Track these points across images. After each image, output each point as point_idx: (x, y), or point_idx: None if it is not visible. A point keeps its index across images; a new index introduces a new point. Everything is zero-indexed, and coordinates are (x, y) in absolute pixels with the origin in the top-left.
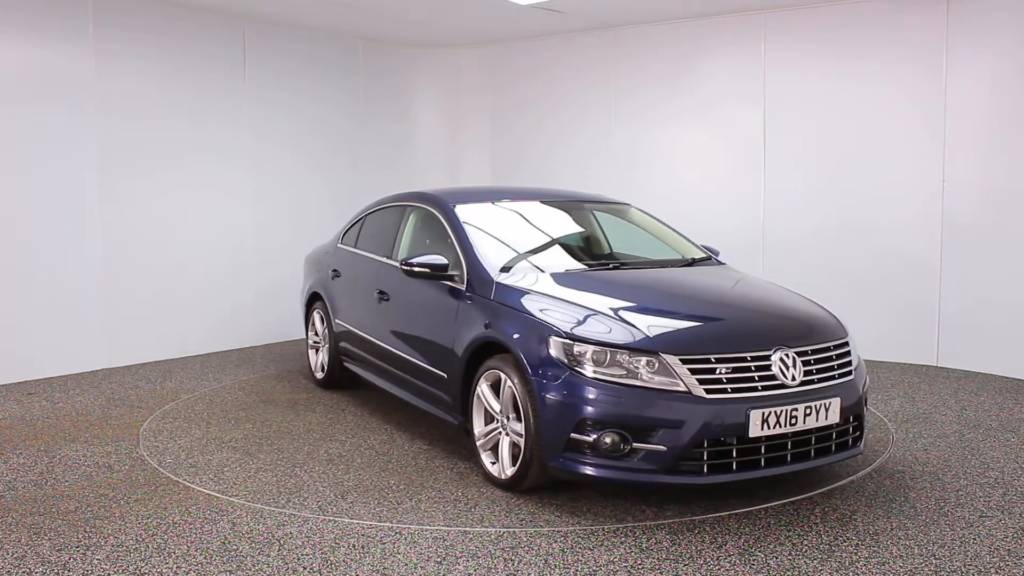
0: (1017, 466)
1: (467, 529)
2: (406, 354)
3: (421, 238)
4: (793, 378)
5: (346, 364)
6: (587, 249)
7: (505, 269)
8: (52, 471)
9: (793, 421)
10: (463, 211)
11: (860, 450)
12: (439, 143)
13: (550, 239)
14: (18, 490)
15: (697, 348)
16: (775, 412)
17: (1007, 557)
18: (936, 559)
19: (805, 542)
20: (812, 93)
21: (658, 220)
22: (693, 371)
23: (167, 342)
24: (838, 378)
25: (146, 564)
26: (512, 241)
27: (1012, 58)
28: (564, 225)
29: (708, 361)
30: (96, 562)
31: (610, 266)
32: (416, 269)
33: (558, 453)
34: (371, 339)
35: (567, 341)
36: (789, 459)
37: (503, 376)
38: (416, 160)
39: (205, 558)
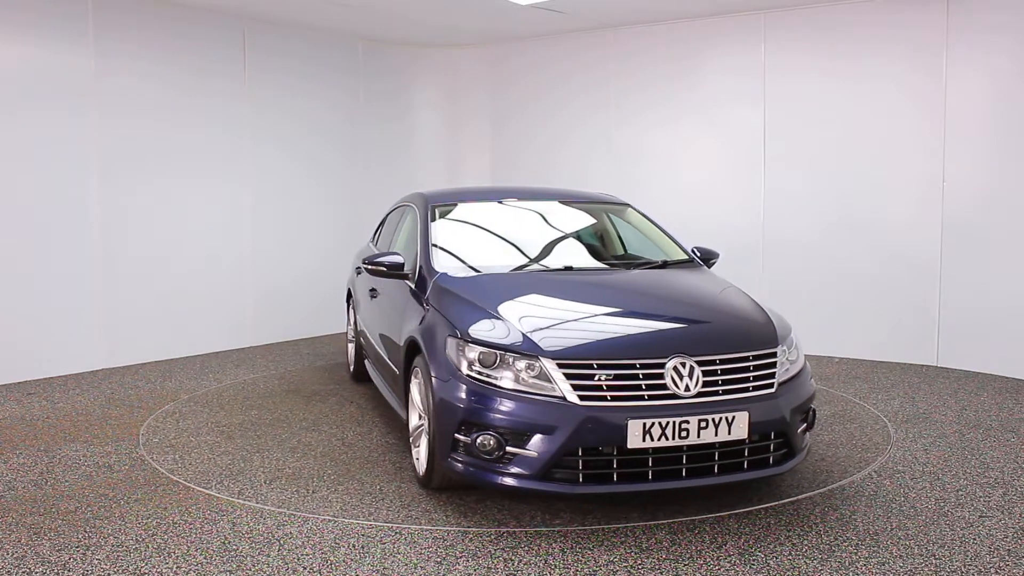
0: (1017, 466)
1: (466, 528)
2: (380, 350)
3: (412, 237)
4: (687, 388)
5: (364, 359)
6: (566, 249)
7: (448, 268)
8: (52, 471)
9: (684, 434)
10: (439, 211)
11: (782, 469)
12: (439, 143)
13: (520, 239)
14: (18, 490)
15: (579, 353)
16: (659, 423)
17: (1007, 557)
18: (936, 559)
19: (805, 542)
20: (812, 93)
21: (651, 220)
22: (570, 376)
23: (167, 342)
24: (753, 391)
25: (146, 564)
26: (477, 241)
27: (1012, 58)
28: (544, 225)
29: (589, 367)
30: (96, 562)
31: (562, 268)
32: (369, 267)
33: (447, 453)
34: (368, 335)
35: (460, 342)
36: (684, 474)
37: (421, 373)
38: (416, 160)
39: (205, 558)
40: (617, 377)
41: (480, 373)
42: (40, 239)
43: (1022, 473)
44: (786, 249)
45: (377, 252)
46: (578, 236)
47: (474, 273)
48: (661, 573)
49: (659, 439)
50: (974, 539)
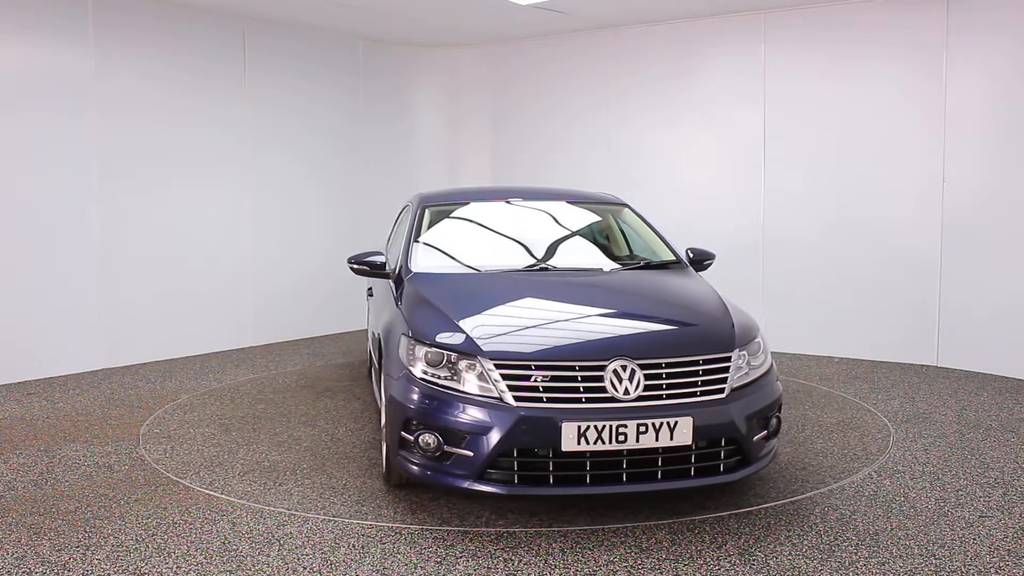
0: (1017, 466)
1: (467, 529)
2: (371, 347)
3: (409, 237)
4: (626, 392)
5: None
6: (550, 249)
7: (428, 267)
8: (52, 471)
9: (622, 438)
10: (431, 211)
11: (733, 478)
12: (439, 143)
13: (506, 239)
14: (18, 490)
15: (518, 354)
16: (595, 426)
17: (1007, 557)
18: (936, 559)
19: (805, 542)
20: (812, 93)
21: (644, 221)
22: (507, 377)
23: (167, 342)
24: (700, 396)
25: (146, 564)
26: (463, 240)
27: (1012, 58)
28: (534, 225)
29: (527, 368)
30: (96, 562)
31: (538, 268)
32: (354, 266)
33: (397, 450)
34: (369, 332)
35: (411, 341)
36: (625, 479)
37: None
38: (416, 159)
39: (205, 558)
40: (555, 379)
41: (425, 372)
42: (40, 239)
43: (1022, 473)
44: (786, 249)
45: (364, 251)
46: (565, 237)
47: (446, 273)
48: (661, 573)
49: (595, 442)
50: (974, 539)
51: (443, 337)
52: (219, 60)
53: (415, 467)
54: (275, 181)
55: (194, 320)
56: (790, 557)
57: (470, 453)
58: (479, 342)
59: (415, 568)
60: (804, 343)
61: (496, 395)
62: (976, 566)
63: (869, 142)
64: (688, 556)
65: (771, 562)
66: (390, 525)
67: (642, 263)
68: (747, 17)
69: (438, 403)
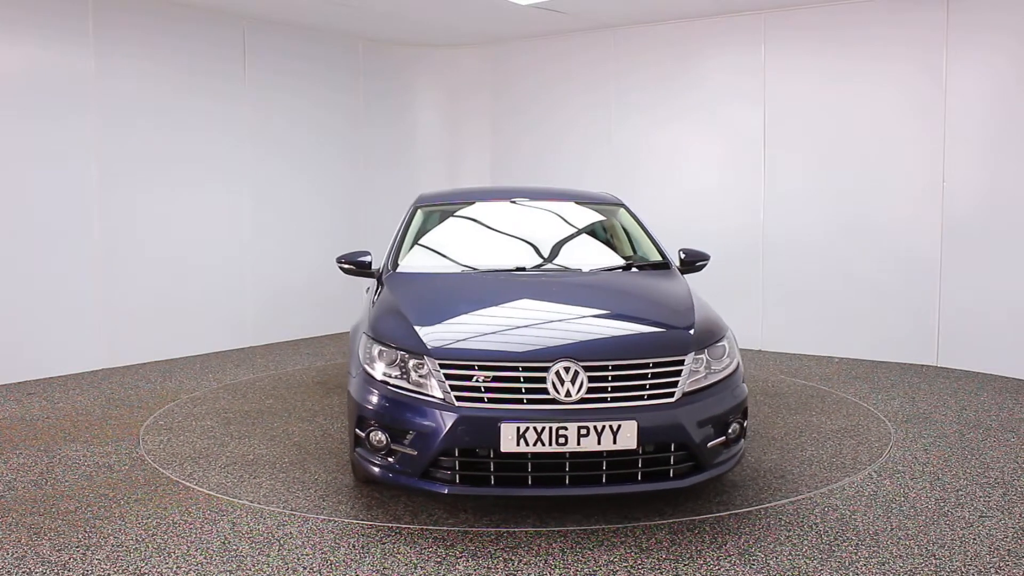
0: (1017, 466)
1: (467, 529)
2: None
3: (395, 236)
4: (568, 394)
5: None
6: (535, 250)
7: (410, 267)
8: (52, 471)
9: (562, 440)
10: (424, 211)
11: (682, 484)
12: (439, 143)
13: (493, 239)
14: (18, 490)
15: (463, 354)
16: (534, 428)
17: (1007, 557)
18: (936, 559)
19: (805, 542)
20: (812, 93)
21: (638, 221)
22: (450, 377)
23: (167, 342)
24: (648, 399)
25: (146, 564)
26: (450, 240)
27: (1012, 58)
28: (524, 225)
29: (470, 368)
30: (96, 562)
31: (514, 269)
32: (343, 265)
33: (353, 447)
34: None
35: (368, 339)
36: (568, 481)
37: None
38: (416, 159)
39: (205, 558)
40: (497, 379)
41: (379, 371)
42: (40, 239)
43: (1022, 473)
44: (786, 249)
45: (353, 251)
46: (553, 237)
47: (423, 273)
48: (661, 573)
49: (535, 444)
50: (974, 539)
51: (397, 336)
52: (219, 60)
53: (369, 464)
54: (275, 180)
55: (194, 320)
56: (790, 557)
57: (414, 452)
58: (427, 341)
59: (415, 568)
60: (804, 343)
61: (439, 394)
62: (976, 566)
63: (869, 142)
64: (688, 556)
65: (771, 562)
66: (390, 525)
67: (625, 264)
68: (747, 17)
69: (387, 401)
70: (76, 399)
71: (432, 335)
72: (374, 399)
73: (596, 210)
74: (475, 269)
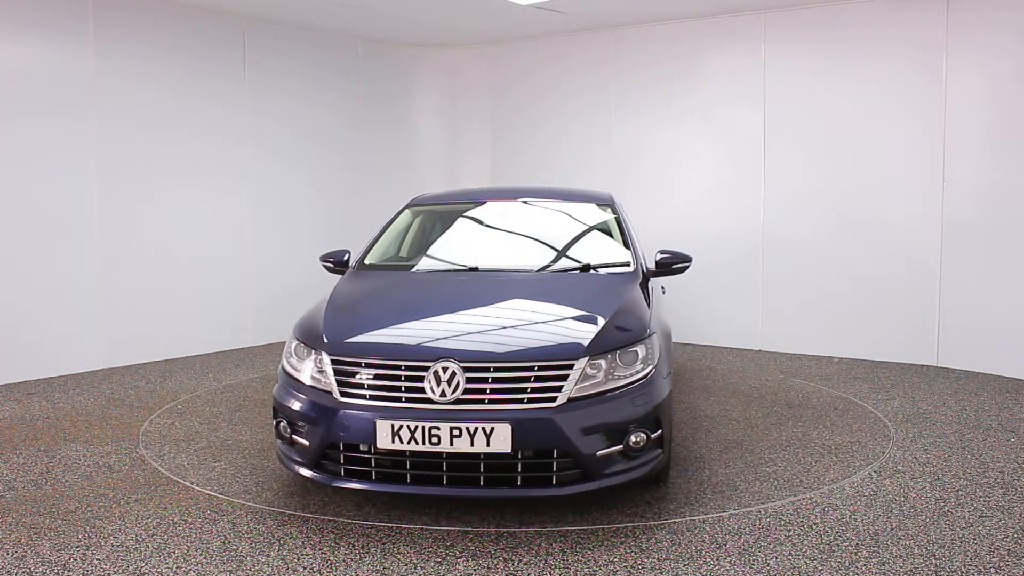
0: (1017, 466)
1: (467, 529)
2: None
3: (376, 235)
4: (443, 394)
5: None
6: (497, 249)
7: (362, 265)
8: (52, 471)
9: (435, 440)
10: (413, 212)
11: (563, 492)
12: (439, 143)
13: (467, 239)
14: (18, 490)
15: (352, 351)
16: (408, 426)
17: (1007, 557)
18: (936, 559)
19: (805, 542)
20: (812, 93)
21: (621, 221)
22: (339, 372)
23: (167, 342)
24: (527, 403)
25: (146, 564)
26: (429, 241)
27: (1012, 58)
28: (505, 224)
29: (357, 365)
30: (96, 562)
31: (467, 269)
32: (326, 263)
33: (276, 436)
34: None
35: (292, 333)
36: (446, 481)
37: None
38: (416, 160)
39: (205, 558)
40: (379, 377)
41: (289, 363)
42: (40, 239)
43: (1022, 473)
44: (786, 249)
45: (337, 249)
46: (522, 237)
47: (376, 272)
48: (661, 573)
49: (409, 442)
50: (974, 539)
51: (307, 331)
52: (219, 60)
53: (280, 452)
54: (275, 180)
55: (194, 320)
56: (790, 557)
57: (306, 442)
58: (325, 337)
59: (415, 568)
60: (804, 343)
61: (328, 389)
62: (976, 566)
63: (869, 142)
64: (688, 556)
65: (771, 562)
66: (390, 525)
67: (583, 265)
68: (747, 17)
69: (289, 393)
70: (76, 399)
71: (332, 331)
72: (282, 391)
73: (582, 209)
74: (426, 270)
